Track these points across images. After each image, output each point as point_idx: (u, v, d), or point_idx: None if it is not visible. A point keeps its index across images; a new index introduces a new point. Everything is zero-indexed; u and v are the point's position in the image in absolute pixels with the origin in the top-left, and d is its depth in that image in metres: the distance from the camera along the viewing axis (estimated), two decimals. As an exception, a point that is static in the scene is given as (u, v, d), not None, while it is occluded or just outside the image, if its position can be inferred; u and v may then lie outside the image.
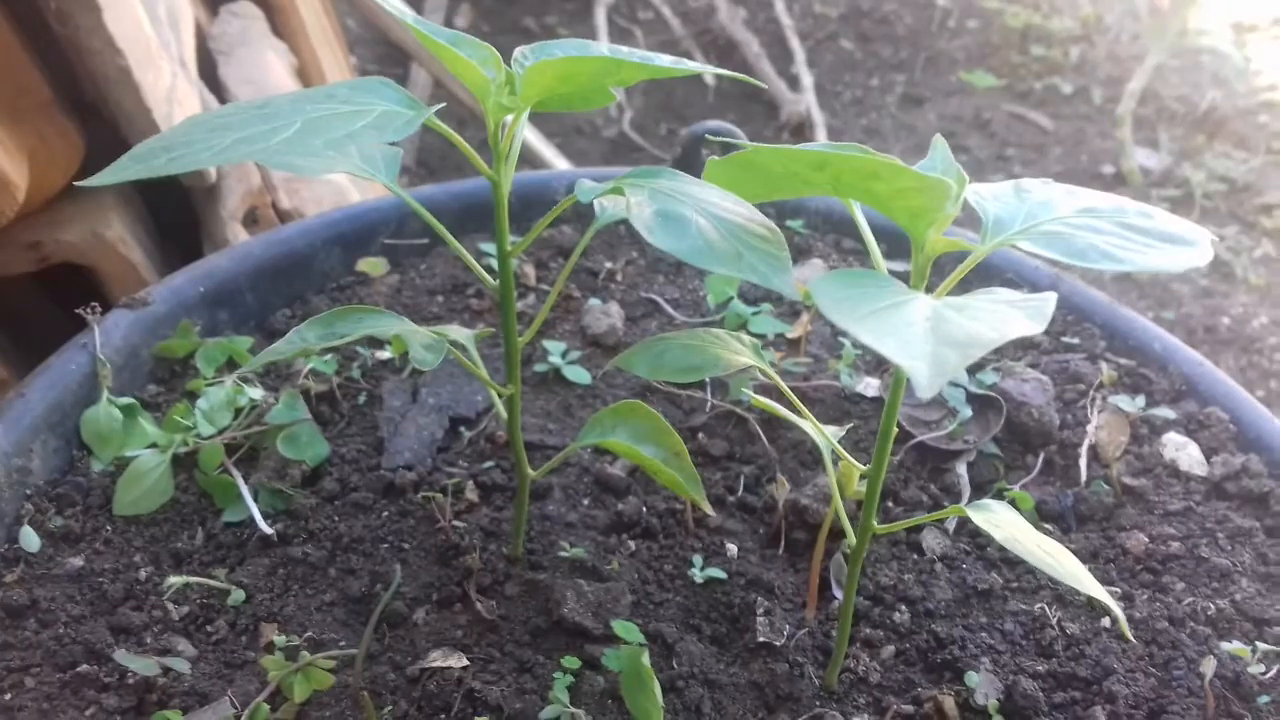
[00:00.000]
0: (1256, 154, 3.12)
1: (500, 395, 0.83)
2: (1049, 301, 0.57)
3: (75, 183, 0.61)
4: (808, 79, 3.38)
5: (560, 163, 2.50)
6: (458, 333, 0.83)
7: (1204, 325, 2.61)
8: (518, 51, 0.72)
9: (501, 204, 0.74)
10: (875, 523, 0.78)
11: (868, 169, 0.63)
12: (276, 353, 0.70)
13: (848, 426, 0.97)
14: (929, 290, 0.67)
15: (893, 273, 0.65)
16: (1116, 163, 3.11)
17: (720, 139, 1.26)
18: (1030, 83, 3.45)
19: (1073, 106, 3.38)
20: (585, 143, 3.19)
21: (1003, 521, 0.70)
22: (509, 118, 0.71)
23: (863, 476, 0.87)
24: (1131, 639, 0.90)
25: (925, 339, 0.52)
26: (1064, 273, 1.23)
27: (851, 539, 0.80)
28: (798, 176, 0.70)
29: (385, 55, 3.39)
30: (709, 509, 0.85)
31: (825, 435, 0.82)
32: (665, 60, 0.71)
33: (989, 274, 1.21)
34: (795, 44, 3.52)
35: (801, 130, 3.22)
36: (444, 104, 0.67)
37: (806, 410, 0.83)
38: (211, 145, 0.59)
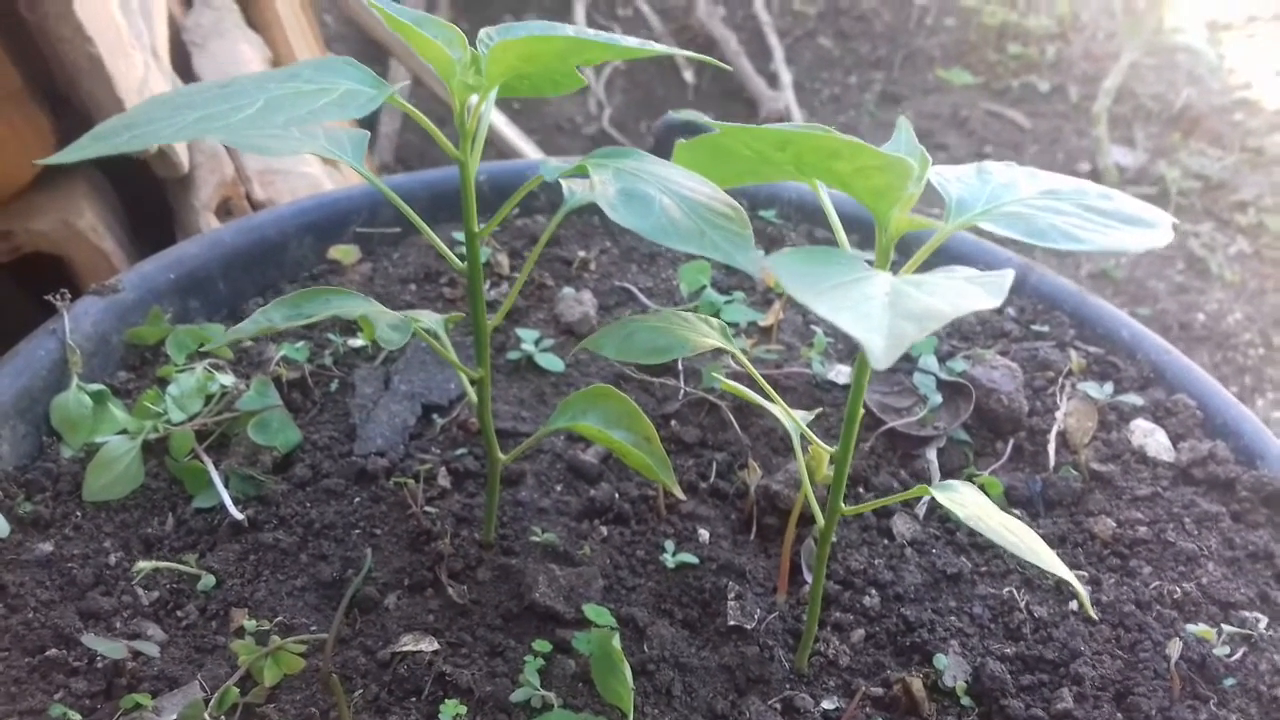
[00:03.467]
0: (1231, 151, 3.14)
1: (471, 379, 0.83)
2: (1006, 277, 0.57)
3: (35, 161, 0.61)
4: (786, 76, 3.38)
5: (536, 155, 2.51)
6: (428, 317, 0.83)
7: (1179, 321, 2.62)
8: (483, 32, 0.72)
9: (469, 184, 0.74)
10: (843, 505, 0.79)
11: (829, 148, 0.64)
12: (241, 331, 0.70)
13: (817, 412, 0.98)
14: (894, 271, 0.67)
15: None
16: (1093, 160, 3.13)
17: (690, 120, 1.27)
18: (1007, 80, 3.47)
19: (1049, 104, 3.40)
20: (566, 140, 3.18)
21: (967, 501, 0.71)
22: (474, 98, 0.71)
23: (831, 460, 0.88)
24: (1094, 616, 0.90)
25: (883, 313, 0.52)
26: (1034, 262, 1.24)
27: (820, 521, 0.81)
28: (762, 157, 0.70)
29: (363, 53, 3.38)
30: (679, 493, 0.85)
31: (794, 419, 0.82)
32: (631, 41, 0.71)
33: (959, 262, 1.22)
34: (774, 41, 3.53)
35: (780, 127, 3.22)
36: (406, 82, 0.67)
37: (776, 395, 0.83)
38: (174, 122, 0.59)
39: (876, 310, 0.52)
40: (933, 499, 0.90)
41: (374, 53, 3.34)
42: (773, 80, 3.38)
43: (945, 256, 0.79)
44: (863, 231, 1.21)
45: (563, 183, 0.81)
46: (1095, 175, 3.09)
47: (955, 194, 0.70)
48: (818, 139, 0.63)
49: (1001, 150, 3.22)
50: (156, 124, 0.59)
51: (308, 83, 0.64)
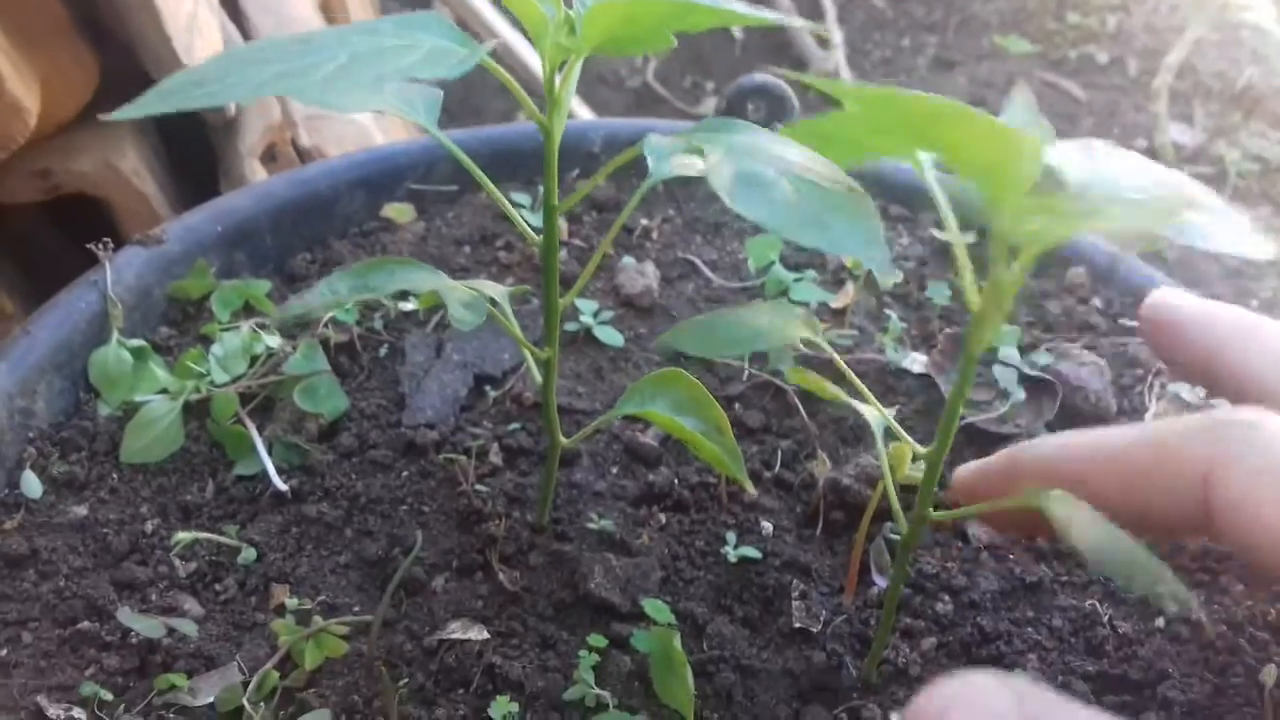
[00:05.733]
0: (1293, 135, 3.05)
1: (537, 359, 0.78)
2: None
3: (100, 116, 0.56)
4: (837, 36, 3.30)
5: (583, 111, 2.44)
6: (492, 289, 0.78)
7: (1232, 307, 2.55)
8: None
9: (552, 154, 0.68)
10: (931, 510, 0.74)
11: (933, 112, 0.57)
12: (306, 305, 0.65)
13: (897, 406, 0.93)
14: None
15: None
16: (1150, 137, 3.04)
17: (765, 84, 1.21)
18: (1065, 50, 3.37)
19: (1107, 77, 3.30)
20: (609, 92, 3.12)
21: (1078, 517, 0.65)
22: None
23: (916, 458, 0.82)
24: (1214, 639, 0.85)
25: None
26: (1123, 252, 1.18)
27: (903, 525, 0.75)
28: (878, 129, 0.64)
29: (407, -7, 3.32)
30: (750, 488, 0.80)
31: (883, 413, 0.77)
32: (739, 7, 0.65)
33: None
34: (826, -1, 3.44)
35: (829, 89, 3.15)
36: (498, 40, 0.61)
37: (864, 388, 0.77)
38: (248, 79, 0.54)
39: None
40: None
41: (418, -6, 3.28)
42: (823, 39, 3.30)
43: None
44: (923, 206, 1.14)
45: (648, 154, 0.75)
46: (1152, 152, 3.00)
47: (1074, 178, 0.64)
48: (920, 104, 0.56)
49: (1056, 122, 3.10)
50: (229, 80, 0.54)
51: (391, 38, 0.59)
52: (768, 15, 0.64)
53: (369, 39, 0.57)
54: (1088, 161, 0.66)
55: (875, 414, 0.78)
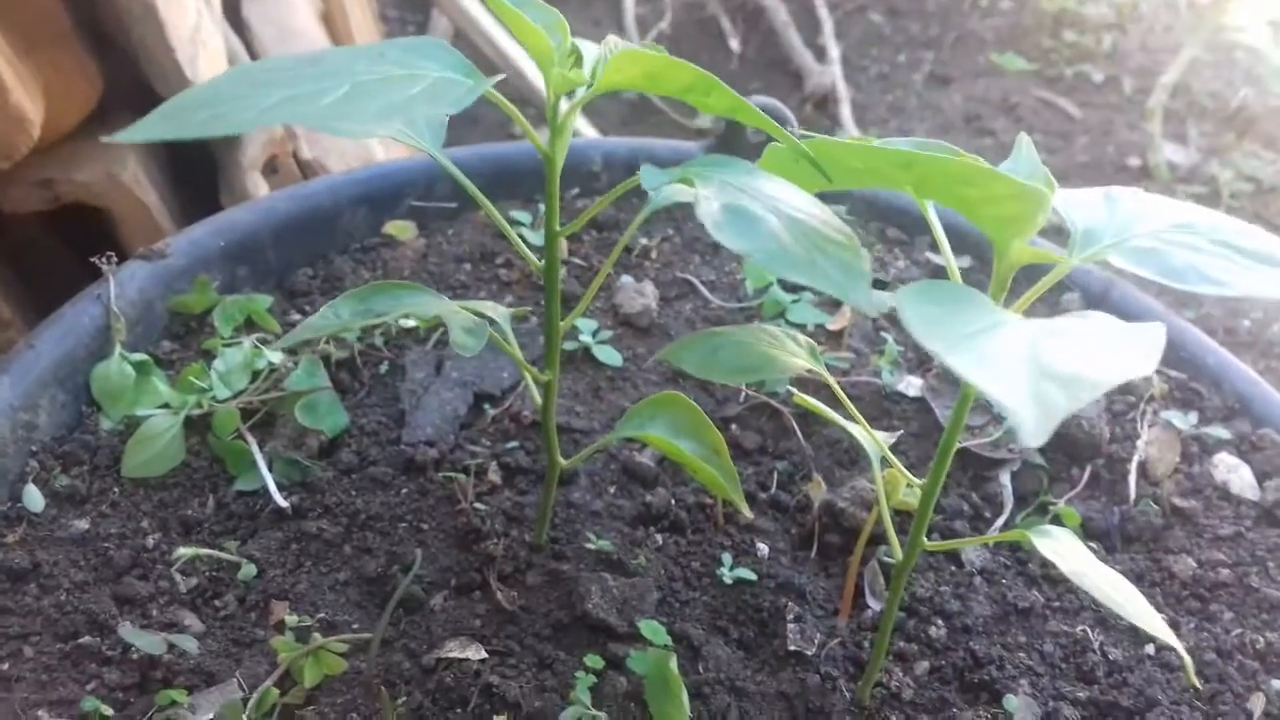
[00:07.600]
0: (1286, 156, 3.07)
1: (537, 381, 0.79)
2: (1157, 334, 0.52)
3: (102, 138, 0.56)
4: (834, 50, 3.31)
5: (586, 128, 2.45)
6: (493, 310, 0.78)
7: (1224, 326, 2.56)
8: (611, 39, 0.68)
9: (554, 181, 0.69)
10: (925, 540, 0.74)
11: (960, 174, 0.59)
12: (311, 329, 0.65)
13: (898, 434, 0.93)
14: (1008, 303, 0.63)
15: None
16: (1143, 155, 3.06)
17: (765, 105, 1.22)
18: (1061, 69, 3.38)
19: (1102, 95, 3.32)
20: (604, 101, 3.12)
21: (1068, 551, 0.67)
22: (572, 95, 0.66)
23: (909, 485, 0.83)
24: (1199, 686, 0.85)
25: (1029, 375, 0.47)
26: (1116, 278, 1.19)
27: (898, 552, 0.76)
28: (877, 173, 0.66)
29: (406, -1, 3.33)
30: (748, 511, 0.81)
31: (877, 441, 0.78)
32: (754, 104, 0.65)
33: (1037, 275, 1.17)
34: (824, 13, 3.45)
35: (825, 103, 3.16)
36: (502, 75, 0.62)
37: (858, 413, 0.78)
38: (256, 103, 0.54)
39: (1021, 371, 0.47)
40: (1013, 530, 0.86)
41: None
42: (820, 54, 3.31)
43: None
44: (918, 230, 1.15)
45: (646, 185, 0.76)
46: (1146, 171, 3.02)
47: (1081, 223, 0.65)
48: (949, 165, 0.58)
49: (1050, 139, 3.14)
50: (238, 103, 0.54)
51: (396, 65, 0.59)
52: (774, 126, 0.64)
53: (374, 67, 0.57)
54: (1100, 208, 0.67)
55: (872, 443, 0.79)
